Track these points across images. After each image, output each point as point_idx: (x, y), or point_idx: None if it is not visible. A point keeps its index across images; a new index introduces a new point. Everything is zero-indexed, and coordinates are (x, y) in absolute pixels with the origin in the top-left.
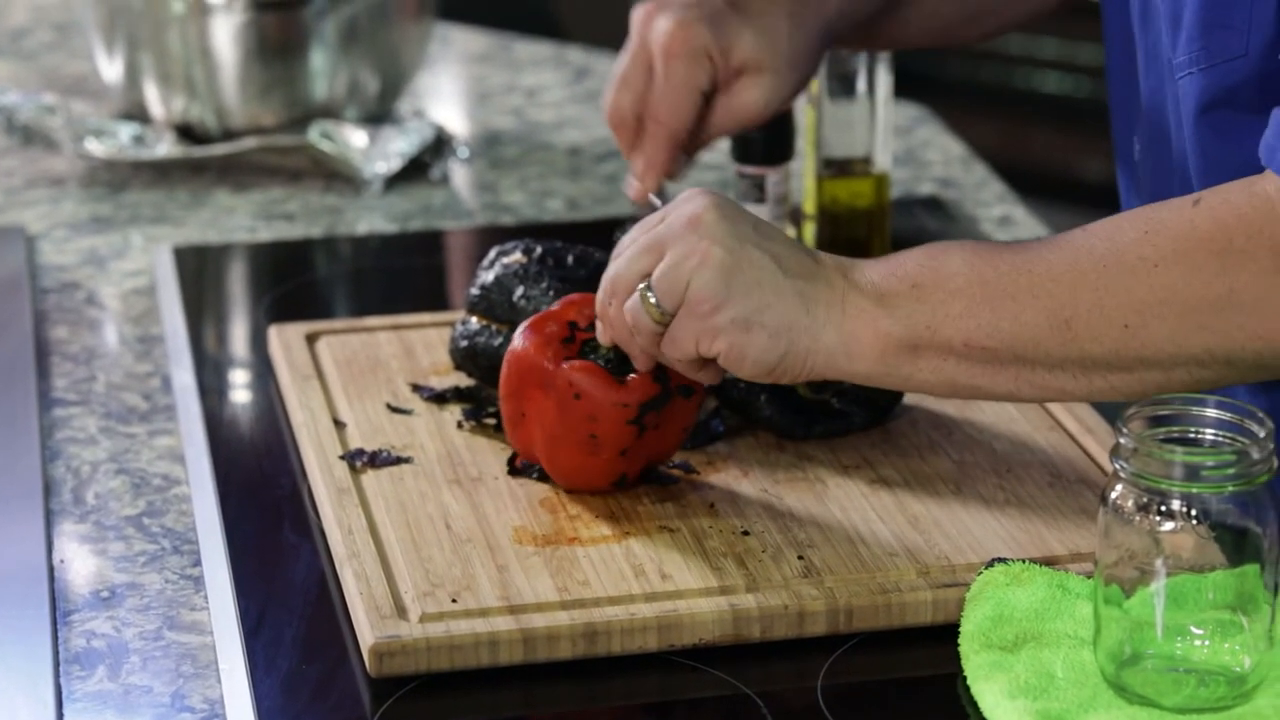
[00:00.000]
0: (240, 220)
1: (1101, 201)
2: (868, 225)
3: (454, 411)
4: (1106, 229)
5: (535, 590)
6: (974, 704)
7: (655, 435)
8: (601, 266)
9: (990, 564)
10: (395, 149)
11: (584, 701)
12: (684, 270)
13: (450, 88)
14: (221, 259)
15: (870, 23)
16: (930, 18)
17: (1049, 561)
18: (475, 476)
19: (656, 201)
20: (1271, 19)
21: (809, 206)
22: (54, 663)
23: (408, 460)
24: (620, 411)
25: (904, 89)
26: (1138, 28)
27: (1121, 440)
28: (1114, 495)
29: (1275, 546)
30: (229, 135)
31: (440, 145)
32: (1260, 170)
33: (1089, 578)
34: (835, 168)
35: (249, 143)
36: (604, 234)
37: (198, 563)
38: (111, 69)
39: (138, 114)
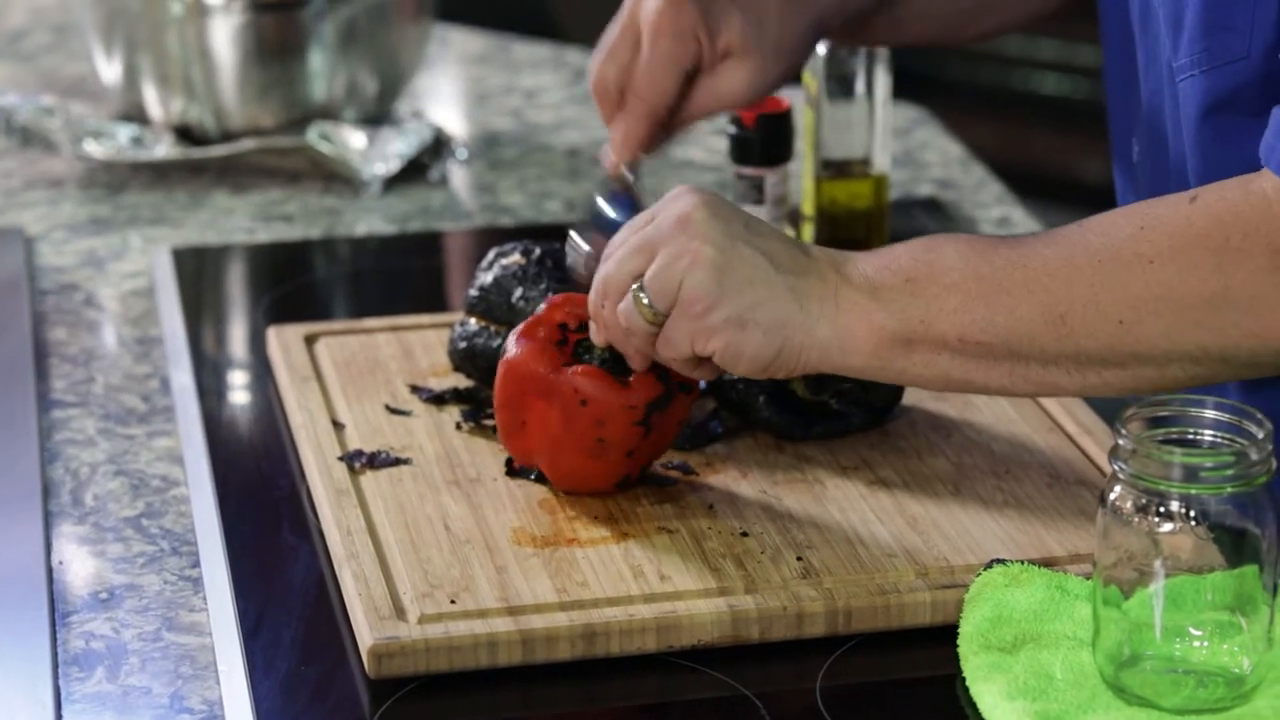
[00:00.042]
0: (239, 221)
1: (1100, 203)
2: (866, 226)
3: (453, 413)
4: (1102, 224)
5: (534, 591)
6: (973, 705)
7: (657, 434)
8: None
9: (989, 565)
10: (394, 150)
11: (583, 702)
12: (676, 271)
13: (449, 89)
14: (220, 260)
15: (864, 17)
16: (924, 17)
17: (1048, 563)
18: (474, 478)
19: (629, 175)
20: (1273, 20)
21: (807, 208)
22: (53, 664)
23: (406, 461)
24: (628, 414)
25: (903, 90)
26: (1137, 30)
27: (1120, 441)
28: (1113, 496)
29: (1274, 548)
30: (227, 137)
31: (439, 146)
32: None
33: (1088, 579)
34: (834, 169)
35: (247, 144)
36: None
37: (196, 564)
38: (110, 70)
39: (136, 115)
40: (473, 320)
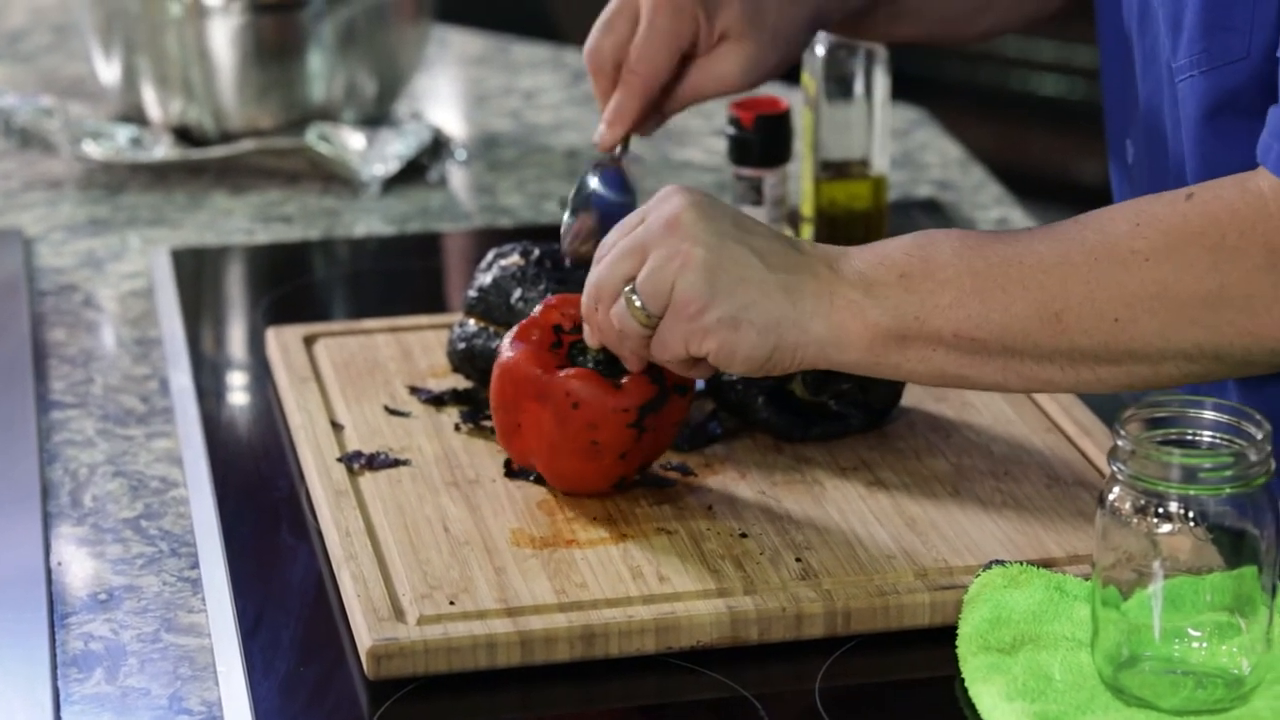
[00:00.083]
0: (238, 222)
1: (1098, 204)
2: (865, 227)
3: (452, 414)
4: (1098, 220)
5: (533, 592)
6: (972, 706)
7: (652, 435)
8: None
9: (988, 566)
10: (393, 151)
11: (581, 704)
12: (667, 273)
13: (448, 90)
14: (219, 261)
15: (864, 11)
16: (923, 14)
17: (1047, 564)
18: (473, 479)
19: (622, 151)
20: (1273, 20)
21: (806, 209)
22: (52, 665)
23: (405, 462)
24: (621, 416)
25: (901, 91)
26: (1134, 31)
27: (1119, 442)
28: (1112, 497)
29: (1273, 548)
30: (226, 137)
31: (438, 147)
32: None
33: (1087, 580)
34: (833, 170)
35: (246, 145)
36: None
37: (195, 565)
38: (109, 71)
39: (135, 116)
40: (472, 321)
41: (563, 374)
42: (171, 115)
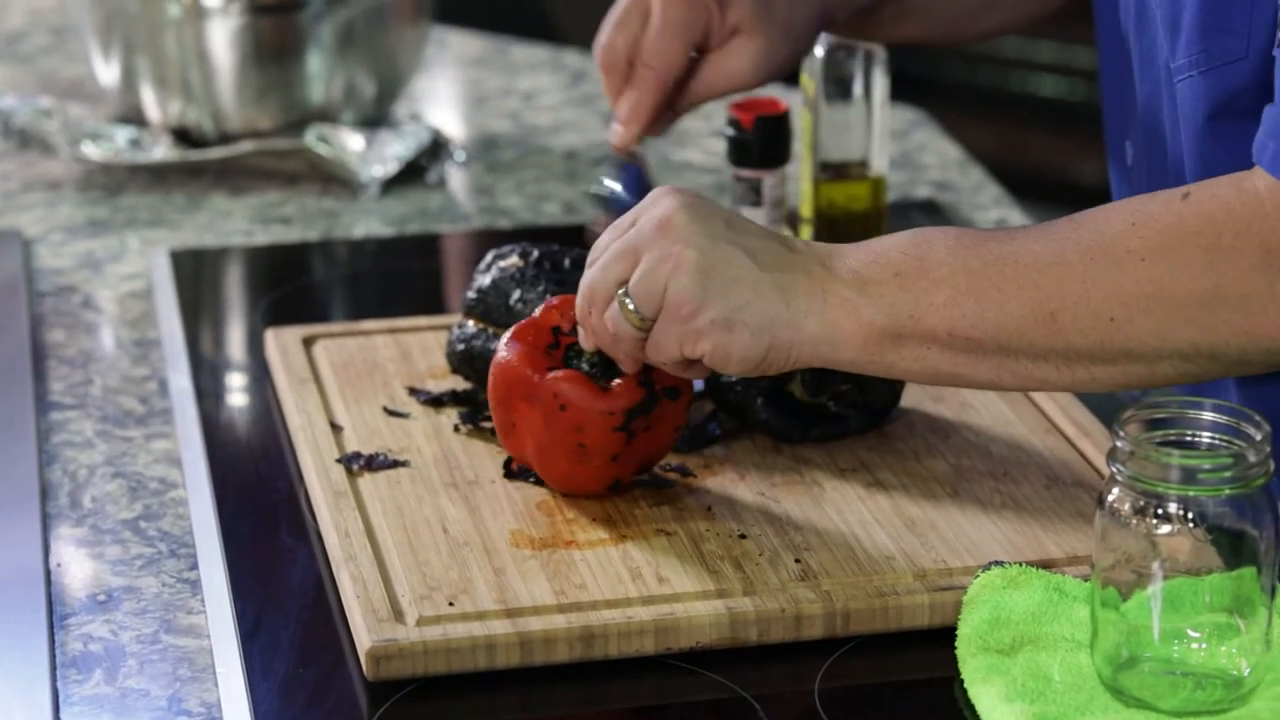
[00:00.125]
0: (237, 224)
1: (1097, 205)
2: (864, 228)
3: (451, 415)
4: (1094, 220)
5: (532, 594)
6: (971, 707)
7: (646, 438)
8: None
9: (987, 567)
10: (392, 152)
11: (581, 705)
12: (659, 276)
13: (447, 91)
14: (218, 262)
15: (869, 10)
16: (928, 13)
17: (1046, 565)
18: (472, 480)
19: (638, 150)
20: (1270, 21)
21: (805, 210)
22: (51, 666)
23: (404, 464)
24: (606, 420)
25: (900, 92)
26: (1132, 32)
27: (1118, 443)
28: (1111, 498)
29: (1272, 549)
30: (225, 139)
31: (437, 149)
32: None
33: (1086, 581)
34: (832, 171)
35: (245, 146)
36: None
37: (195, 566)
38: (108, 72)
39: (134, 117)
40: (471, 322)
41: (551, 376)
42: (170, 116)
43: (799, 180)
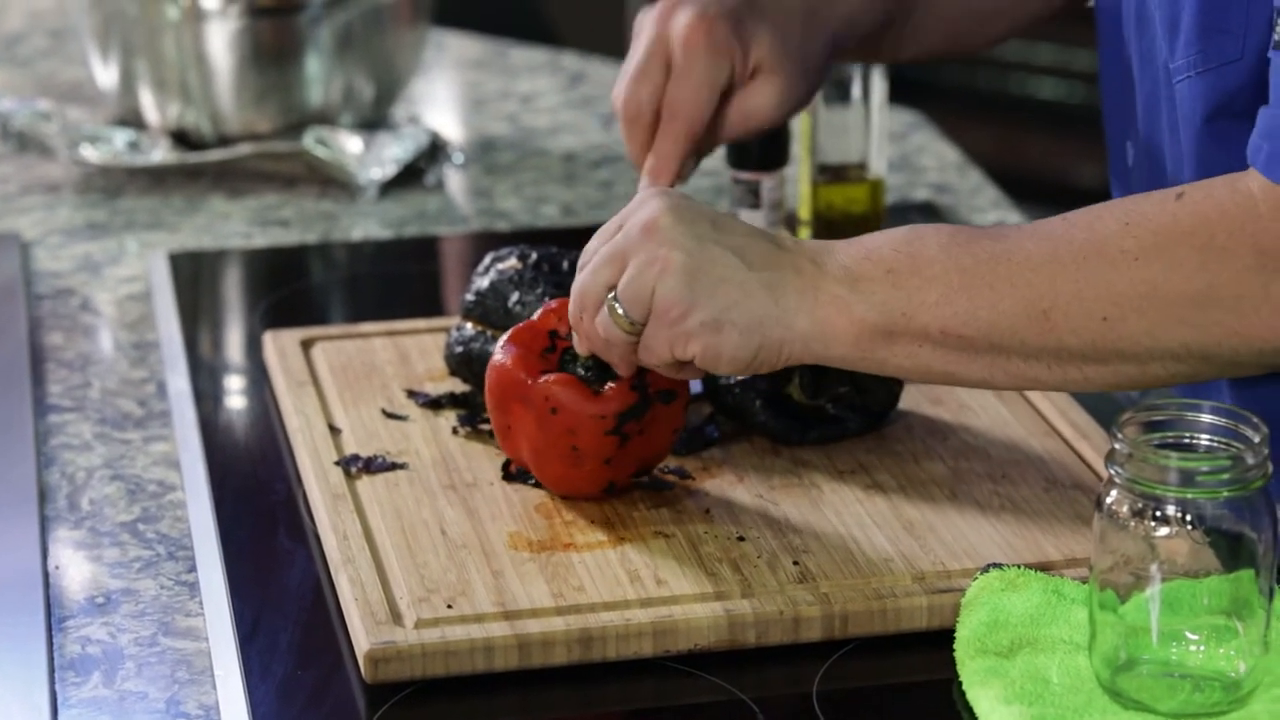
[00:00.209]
0: (235, 226)
1: None
2: (862, 231)
3: (449, 417)
4: (1087, 219)
5: (530, 596)
6: (969, 709)
7: (641, 441)
8: None
9: (985, 569)
10: (390, 155)
11: (579, 707)
12: (647, 279)
13: (445, 94)
14: (217, 265)
15: (874, 35)
16: (932, 28)
17: (1044, 567)
18: (470, 482)
19: None
20: (1267, 23)
21: (804, 212)
22: (49, 669)
23: (403, 466)
24: (598, 423)
25: (899, 95)
26: (1132, 33)
27: (1116, 446)
28: (1109, 500)
29: (1270, 552)
30: (224, 141)
31: (435, 151)
32: None
33: (1084, 583)
34: (830, 173)
35: (244, 149)
36: None
37: (193, 568)
38: (107, 75)
39: (133, 120)
40: (469, 325)
41: (544, 379)
42: (169, 119)
43: (798, 182)
